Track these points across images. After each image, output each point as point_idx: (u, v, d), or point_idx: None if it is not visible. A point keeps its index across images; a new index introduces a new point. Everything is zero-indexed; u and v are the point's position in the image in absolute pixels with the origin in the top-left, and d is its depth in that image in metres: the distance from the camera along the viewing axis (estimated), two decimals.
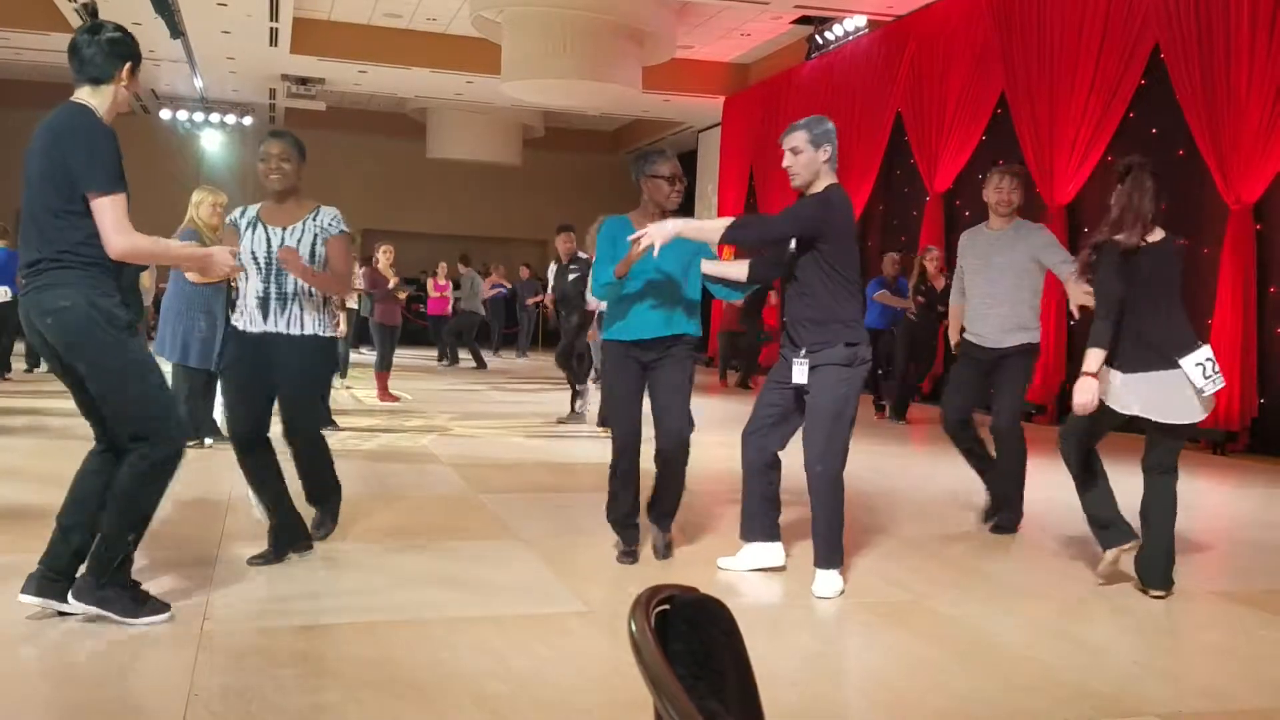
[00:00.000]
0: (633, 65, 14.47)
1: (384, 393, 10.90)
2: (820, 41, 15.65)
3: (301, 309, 4.32)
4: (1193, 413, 4.11)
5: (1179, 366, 4.06)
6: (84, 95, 3.45)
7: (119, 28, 3.58)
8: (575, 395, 9.60)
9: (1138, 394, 4.14)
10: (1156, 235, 4.23)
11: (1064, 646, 3.67)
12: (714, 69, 18.04)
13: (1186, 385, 4.06)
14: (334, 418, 8.70)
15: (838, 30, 15.16)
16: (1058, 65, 10.80)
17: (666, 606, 1.02)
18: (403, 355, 13.25)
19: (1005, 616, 4.00)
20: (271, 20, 14.92)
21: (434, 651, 3.38)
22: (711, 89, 18.23)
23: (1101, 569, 4.41)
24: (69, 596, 3.41)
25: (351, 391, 11.90)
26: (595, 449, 8.00)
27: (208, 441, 7.09)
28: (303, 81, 18.46)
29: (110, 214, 3.29)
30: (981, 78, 12.10)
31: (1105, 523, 4.38)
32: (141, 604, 3.47)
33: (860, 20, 14.52)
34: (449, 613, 3.80)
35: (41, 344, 3.44)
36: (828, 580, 4.14)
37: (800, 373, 4.10)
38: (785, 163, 4.18)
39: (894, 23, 13.88)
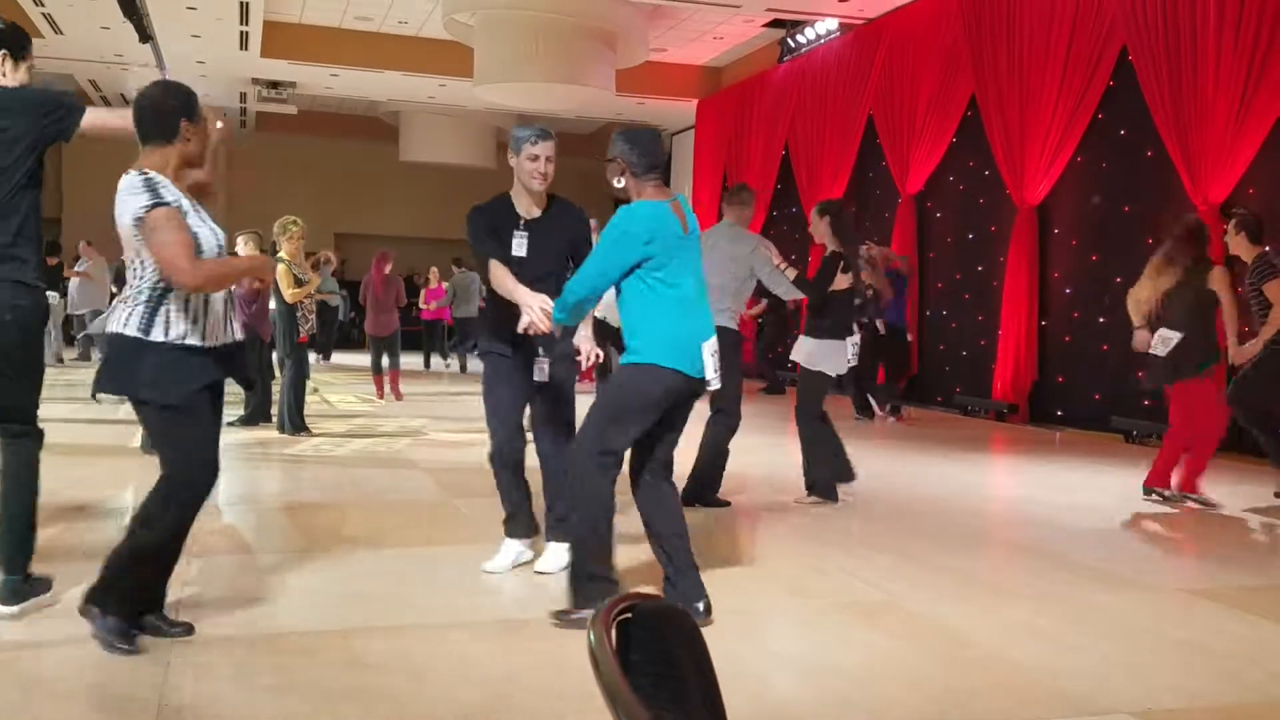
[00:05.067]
0: (605, 68, 14.46)
1: (379, 391, 11.71)
2: (792, 44, 15.71)
3: None
4: None
5: None
6: None
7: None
8: None
9: None
10: None
11: (1036, 644, 3.69)
12: (687, 72, 18.07)
13: None
14: (307, 423, 8.66)
15: (809, 33, 15.22)
16: (1027, 67, 10.88)
17: (628, 616, 1.02)
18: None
19: (977, 615, 4.02)
20: (241, 24, 14.81)
21: (409, 659, 3.36)
22: (685, 92, 18.26)
23: None
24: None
25: (321, 395, 11.85)
26: None
27: None
28: (274, 85, 18.35)
29: None
30: (952, 80, 12.18)
31: None
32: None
33: (832, 23, 14.59)
34: (424, 619, 3.79)
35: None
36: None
37: (542, 371, 4.38)
38: (544, 169, 4.30)
39: (865, 25, 13.95)
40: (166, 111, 3.36)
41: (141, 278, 3.27)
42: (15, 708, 2.95)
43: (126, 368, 3.25)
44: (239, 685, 3.08)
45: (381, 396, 11.65)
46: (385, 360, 11.85)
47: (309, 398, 9.15)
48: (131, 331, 3.24)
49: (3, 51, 3.67)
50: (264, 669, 3.22)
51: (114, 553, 3.31)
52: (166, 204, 3.21)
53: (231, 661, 3.28)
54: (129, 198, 3.22)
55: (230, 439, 8.09)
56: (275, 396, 8.95)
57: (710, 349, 3.75)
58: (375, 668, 3.26)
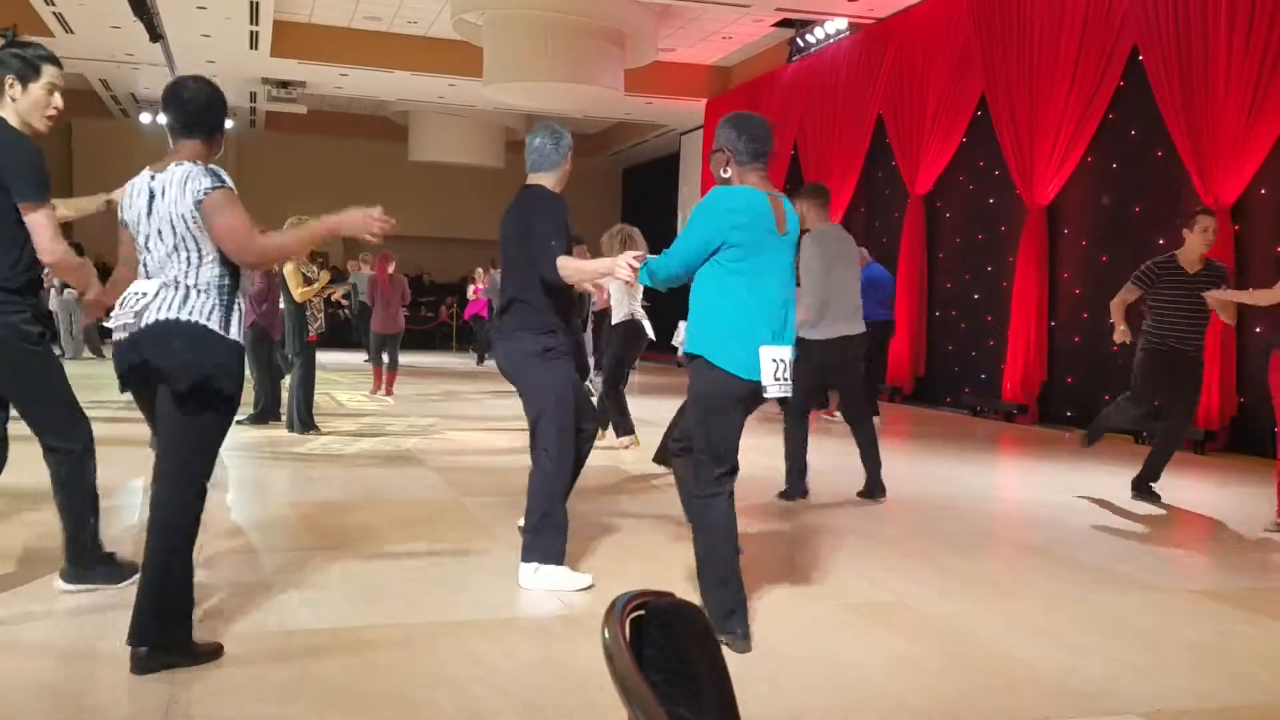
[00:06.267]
0: (614, 68, 14.47)
1: (376, 381, 12.04)
2: (801, 44, 15.70)
3: None
4: None
5: None
6: None
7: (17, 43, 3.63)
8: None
9: None
10: None
11: (1044, 645, 3.68)
12: (696, 71, 18.07)
13: None
14: (316, 422, 8.69)
15: (819, 33, 15.21)
16: (1037, 67, 10.86)
17: (641, 612, 1.02)
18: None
19: (986, 615, 4.02)
20: (251, 23, 14.86)
21: (416, 657, 3.37)
22: (694, 91, 18.26)
23: None
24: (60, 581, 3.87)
25: (331, 394, 11.87)
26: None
27: None
28: (283, 84, 18.41)
29: (47, 225, 3.50)
30: (962, 80, 12.17)
31: None
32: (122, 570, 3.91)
33: (841, 23, 14.57)
34: (431, 617, 3.80)
35: None
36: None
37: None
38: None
39: (875, 25, 13.93)
40: (218, 107, 3.36)
41: (199, 269, 3.21)
42: (20, 707, 2.97)
43: (209, 358, 3.17)
44: (247, 683, 3.09)
45: (378, 388, 11.93)
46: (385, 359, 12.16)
47: (317, 397, 9.16)
48: (214, 325, 3.19)
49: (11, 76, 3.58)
50: (272, 667, 3.23)
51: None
52: (229, 187, 3.21)
53: (240, 659, 3.29)
54: (190, 183, 3.17)
55: (239, 438, 8.12)
56: (285, 395, 8.98)
57: (771, 355, 3.50)
58: (383, 666, 3.27)
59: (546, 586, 4.14)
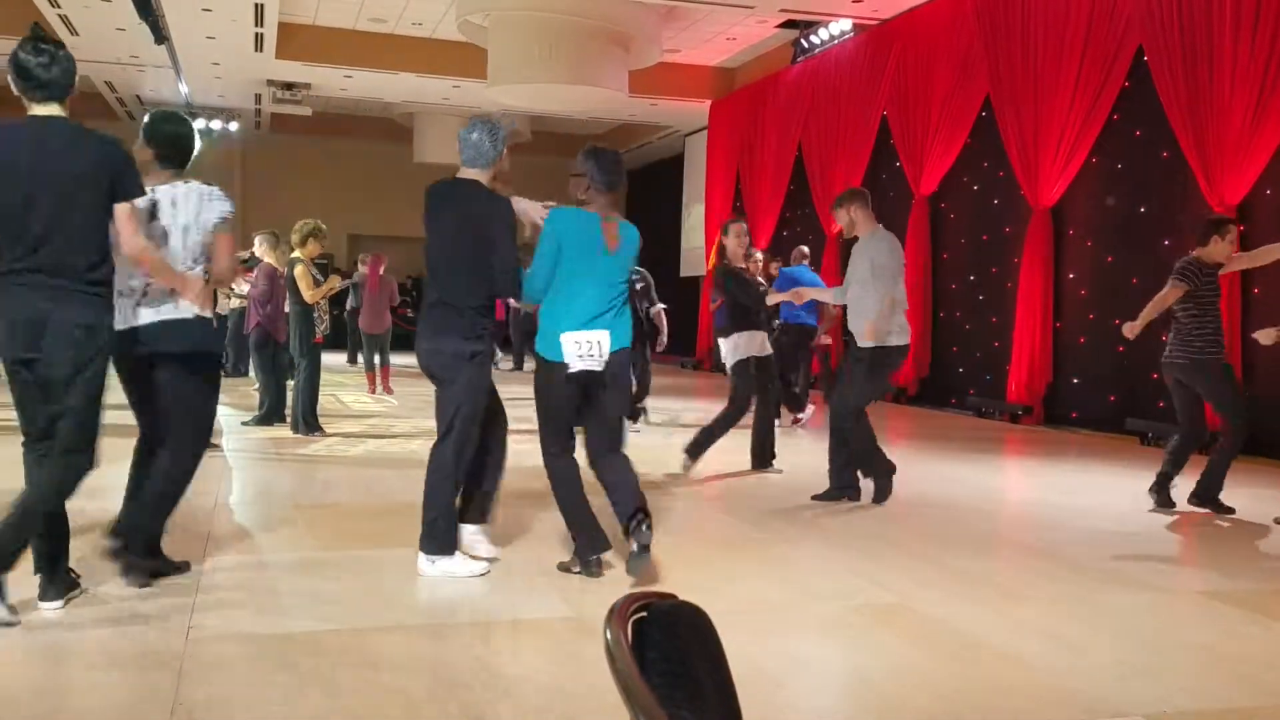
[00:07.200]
0: (619, 69, 14.47)
1: (371, 386, 12.24)
2: (806, 45, 15.69)
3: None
4: None
5: None
6: (57, 110, 3.61)
7: (62, 45, 3.71)
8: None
9: None
10: None
11: (1048, 646, 3.68)
12: (700, 73, 18.07)
13: None
14: (320, 423, 8.69)
15: (823, 34, 15.20)
16: (1042, 68, 10.85)
17: (644, 614, 1.02)
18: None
19: (990, 617, 4.01)
20: (256, 25, 14.87)
21: (420, 658, 3.37)
22: (698, 93, 18.26)
23: None
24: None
25: (336, 395, 11.88)
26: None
27: None
28: (288, 86, 18.42)
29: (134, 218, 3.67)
30: (966, 81, 12.15)
31: None
32: None
33: (846, 24, 14.56)
34: (435, 619, 3.80)
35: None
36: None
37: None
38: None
39: (879, 26, 13.92)
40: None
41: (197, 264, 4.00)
42: (29, 709, 2.97)
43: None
44: (252, 684, 3.10)
45: (373, 391, 12.04)
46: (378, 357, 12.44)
47: (321, 398, 9.16)
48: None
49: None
50: (276, 668, 3.24)
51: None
52: None
53: (245, 660, 3.30)
54: (217, 203, 4.08)
55: (244, 439, 8.13)
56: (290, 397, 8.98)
57: (572, 339, 4.17)
58: (386, 667, 3.28)
59: (444, 573, 4.34)
